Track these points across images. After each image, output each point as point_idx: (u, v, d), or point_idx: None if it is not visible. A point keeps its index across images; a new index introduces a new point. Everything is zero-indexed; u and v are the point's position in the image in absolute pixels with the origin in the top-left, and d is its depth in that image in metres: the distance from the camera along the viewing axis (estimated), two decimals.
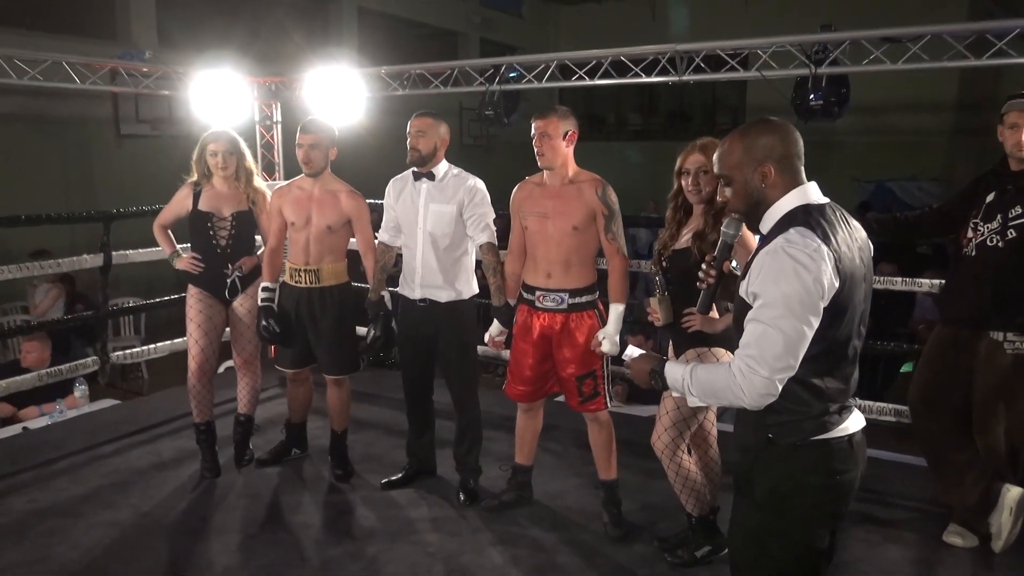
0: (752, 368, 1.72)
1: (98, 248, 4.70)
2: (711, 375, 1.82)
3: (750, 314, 1.75)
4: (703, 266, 2.08)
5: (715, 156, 1.90)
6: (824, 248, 1.69)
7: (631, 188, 3.20)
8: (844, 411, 1.82)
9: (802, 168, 1.84)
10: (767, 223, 1.83)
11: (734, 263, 2.41)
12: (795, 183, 1.82)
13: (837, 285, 1.72)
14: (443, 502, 3.57)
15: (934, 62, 3.88)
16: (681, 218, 2.90)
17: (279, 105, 5.95)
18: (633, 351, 2.03)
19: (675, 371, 1.88)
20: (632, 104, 16.50)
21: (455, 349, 3.48)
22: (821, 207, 1.80)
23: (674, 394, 1.97)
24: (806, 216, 1.76)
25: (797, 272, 1.67)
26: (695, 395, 1.84)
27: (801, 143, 1.84)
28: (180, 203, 3.77)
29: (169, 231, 3.85)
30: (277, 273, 3.72)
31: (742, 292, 1.81)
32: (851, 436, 1.82)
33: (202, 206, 3.71)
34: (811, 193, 1.82)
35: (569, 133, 3.10)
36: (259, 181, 3.81)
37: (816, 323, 1.71)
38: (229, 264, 3.73)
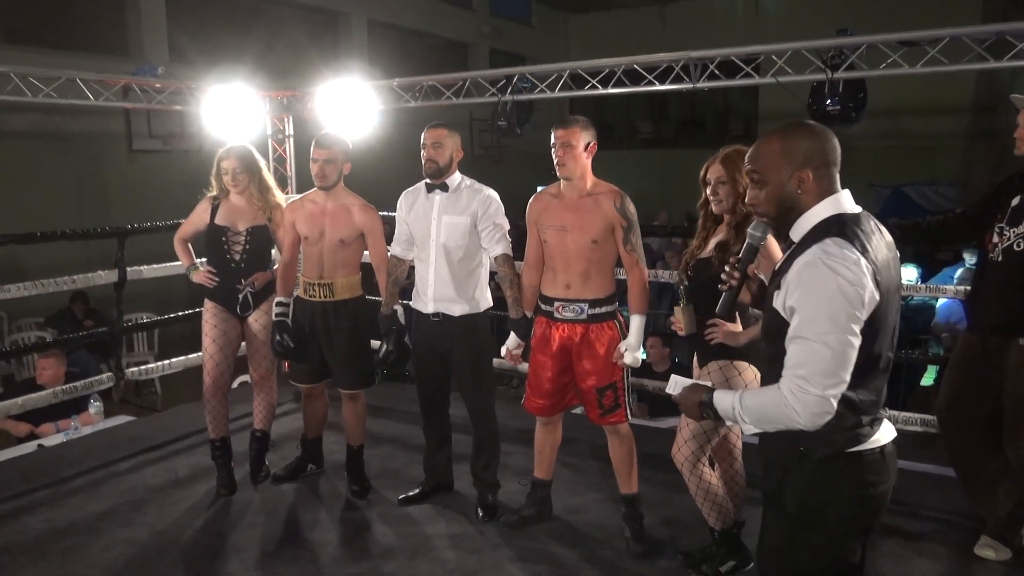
0: (803, 388, 1.68)
1: (112, 264, 4.72)
2: (761, 400, 1.77)
3: (792, 331, 1.70)
4: (726, 268, 2.04)
5: (749, 153, 1.85)
6: (863, 260, 1.66)
7: (642, 197, 3.19)
8: (876, 422, 1.79)
9: (838, 175, 1.80)
10: (798, 231, 1.79)
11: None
12: (830, 191, 1.78)
13: (877, 299, 1.68)
14: (461, 518, 3.54)
15: (953, 65, 3.84)
16: (710, 227, 2.88)
17: (291, 118, 5.97)
18: (679, 382, 1.99)
19: (724, 401, 1.84)
20: (643, 112, 16.51)
21: (470, 363, 3.45)
22: (856, 217, 1.76)
23: (728, 423, 1.92)
24: (842, 227, 1.72)
25: (840, 285, 1.64)
26: (748, 423, 1.79)
27: (839, 150, 1.80)
28: (199, 216, 3.78)
29: (189, 244, 3.86)
30: (291, 287, 3.71)
31: (776, 305, 1.76)
32: (883, 447, 1.79)
33: (218, 220, 3.72)
34: (845, 202, 1.79)
35: (590, 144, 3.09)
36: (278, 195, 3.81)
37: (859, 335, 1.67)
38: (242, 279, 3.73)
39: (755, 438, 1.91)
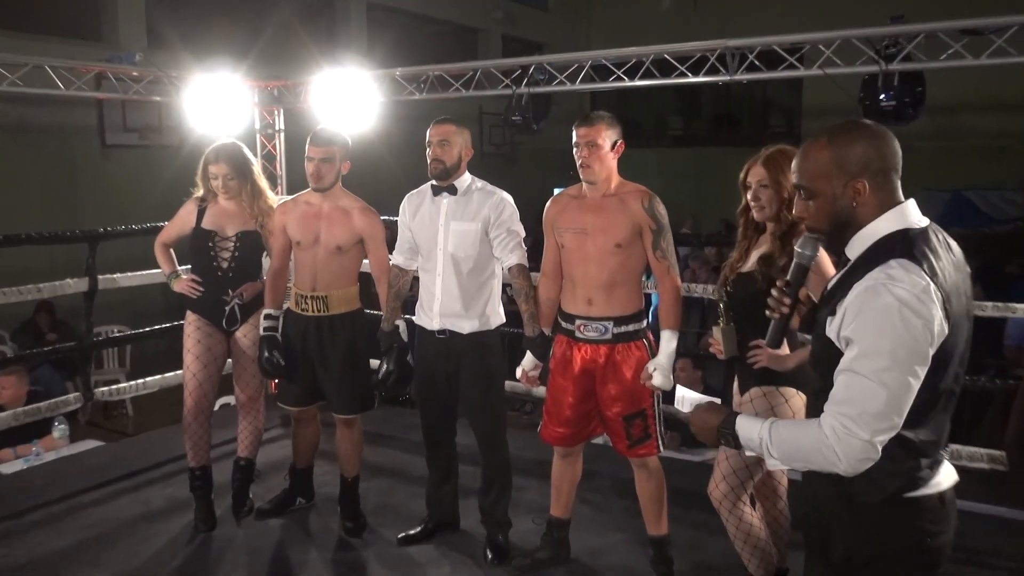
0: (849, 429, 1.65)
1: (82, 271, 4.74)
2: (797, 434, 1.73)
3: (844, 363, 1.68)
4: (773, 292, 2.02)
5: (794, 163, 1.83)
6: (932, 287, 1.63)
7: (670, 201, 3.19)
8: (936, 464, 1.76)
9: (899, 183, 1.77)
10: (856, 247, 1.76)
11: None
12: (892, 202, 1.75)
13: (947, 330, 1.65)
14: (468, 560, 3.52)
15: (1022, 56, 3.82)
16: (751, 236, 2.88)
17: (282, 112, 6.02)
18: (687, 396, 1.98)
19: (750, 427, 1.80)
20: (672, 106, 16.54)
21: (480, 386, 3.45)
22: (924, 232, 1.73)
23: (748, 454, 1.91)
24: (908, 245, 1.69)
25: (904, 316, 1.61)
26: (776, 457, 1.76)
27: (900, 154, 1.77)
28: (184, 219, 3.80)
29: (171, 250, 3.89)
30: (281, 299, 3.73)
31: (830, 333, 1.74)
32: (943, 493, 1.76)
33: (205, 224, 3.74)
34: (911, 215, 1.75)
35: (617, 143, 3.10)
36: (271, 198, 3.83)
37: (923, 373, 1.65)
38: (230, 290, 3.74)
39: (799, 474, 1.89)
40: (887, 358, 1.62)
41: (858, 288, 1.67)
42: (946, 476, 1.78)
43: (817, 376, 1.81)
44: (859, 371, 1.65)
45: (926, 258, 1.67)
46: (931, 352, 1.65)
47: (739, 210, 2.91)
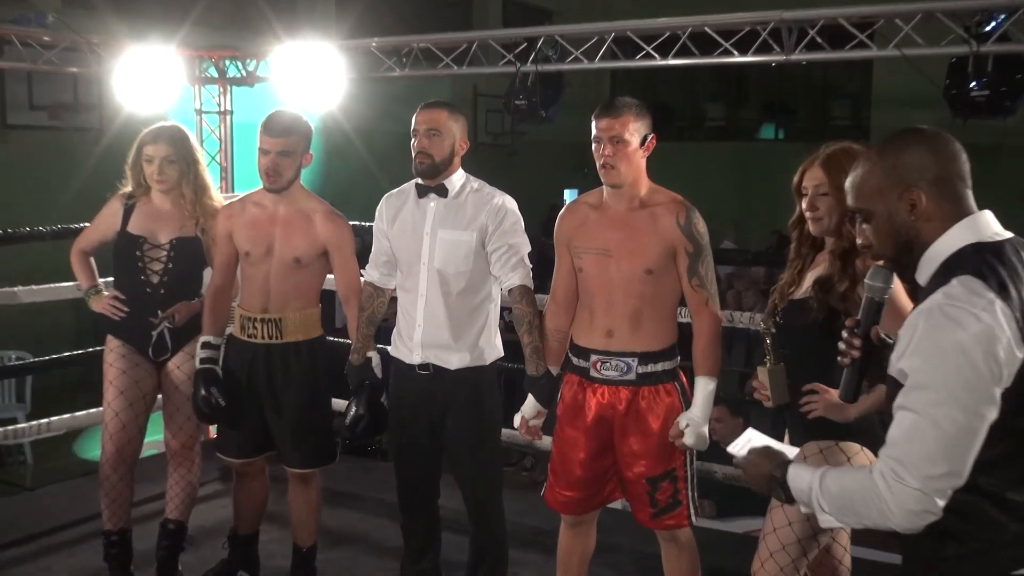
0: (896, 474, 1.71)
1: None
2: (848, 482, 1.80)
3: (898, 399, 1.74)
4: (844, 334, 2.05)
5: (848, 184, 1.92)
6: (999, 304, 1.67)
7: (707, 208, 3.22)
8: None
9: (969, 193, 1.84)
10: (925, 270, 1.83)
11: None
12: (959, 212, 1.82)
13: (1023, 356, 1.69)
14: None
15: None
16: (806, 254, 2.89)
17: (230, 90, 6.06)
18: (754, 439, 2.00)
19: (802, 477, 1.87)
20: (712, 91, 16.65)
21: (471, 436, 3.45)
22: (998, 246, 1.78)
23: (803, 509, 1.94)
24: (976, 259, 1.75)
25: (961, 342, 1.66)
26: (828, 512, 1.82)
27: (964, 159, 1.85)
28: (107, 220, 3.81)
29: (91, 259, 3.89)
30: (223, 323, 3.73)
31: (891, 368, 1.79)
32: None
33: (132, 227, 3.75)
34: (983, 226, 1.82)
35: (648, 139, 3.12)
36: (216, 197, 3.85)
37: (991, 413, 1.68)
38: (160, 310, 3.75)
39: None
40: (940, 390, 1.68)
41: (915, 313, 1.74)
42: None
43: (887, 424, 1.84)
44: (909, 406, 1.71)
45: (995, 273, 1.72)
46: (1000, 387, 1.68)
47: (792, 221, 2.93)
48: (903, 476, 1.69)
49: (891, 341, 2.05)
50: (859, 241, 1.95)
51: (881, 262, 1.97)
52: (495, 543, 3.57)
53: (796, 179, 2.86)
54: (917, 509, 1.69)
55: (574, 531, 3.40)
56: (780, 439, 3.01)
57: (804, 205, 2.83)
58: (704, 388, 3.12)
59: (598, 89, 14.71)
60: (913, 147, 1.84)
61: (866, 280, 2.01)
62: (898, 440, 1.72)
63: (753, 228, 12.50)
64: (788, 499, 1.90)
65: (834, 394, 2.72)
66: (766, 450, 1.99)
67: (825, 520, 1.85)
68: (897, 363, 1.75)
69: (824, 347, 2.38)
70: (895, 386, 1.77)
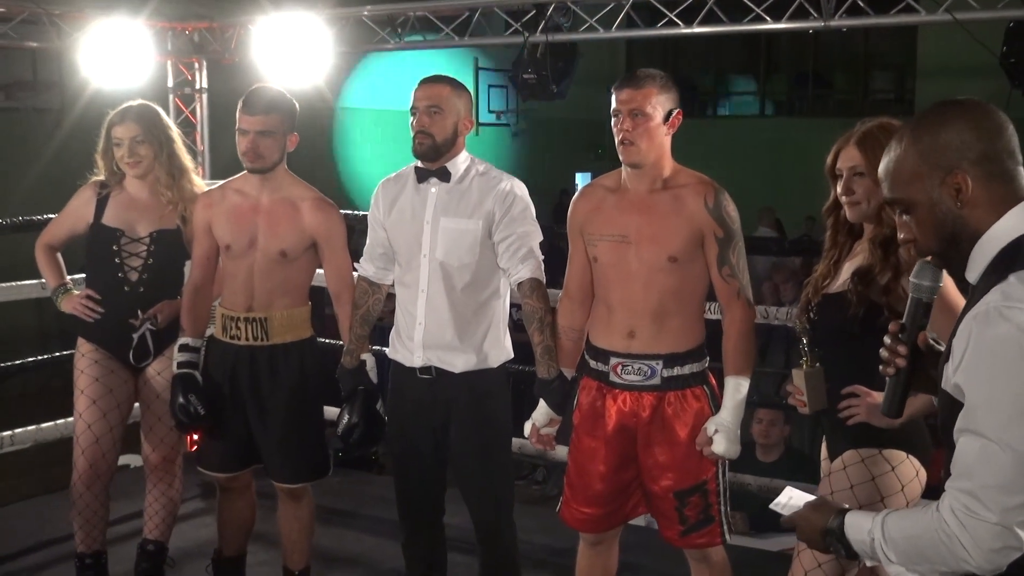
0: (970, 510, 1.66)
1: None
2: (912, 525, 1.76)
3: (960, 422, 1.70)
4: (886, 340, 2.02)
5: (881, 171, 1.88)
6: None
7: (736, 192, 3.22)
8: None
9: (1021, 171, 1.79)
10: (975, 266, 1.78)
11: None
12: (1012, 195, 1.76)
13: None
14: None
15: None
16: (843, 243, 2.90)
17: (204, 65, 6.07)
18: (795, 498, 1.99)
19: (860, 527, 1.82)
20: (740, 63, 16.63)
21: (476, 445, 3.46)
22: None
23: (868, 563, 1.93)
24: None
25: None
26: (895, 561, 1.78)
27: (1012, 132, 1.79)
28: (78, 212, 3.83)
29: (59, 255, 3.91)
30: (203, 324, 3.74)
31: (946, 382, 1.76)
32: None
33: (108, 219, 3.77)
34: None
35: (673, 113, 3.12)
36: (197, 182, 3.87)
37: None
38: (140, 311, 3.76)
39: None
40: (1007, 408, 1.64)
41: (968, 319, 1.70)
42: None
43: (944, 446, 1.83)
44: (975, 429, 1.67)
45: None
46: None
47: (826, 207, 2.92)
48: (977, 511, 1.65)
49: (940, 347, 2.04)
50: (900, 235, 1.90)
51: (927, 258, 1.91)
52: (506, 564, 3.58)
53: (829, 160, 2.86)
54: (998, 546, 1.65)
55: (594, 551, 3.40)
56: (818, 446, 3.02)
57: (839, 189, 2.82)
58: (735, 389, 3.11)
59: (612, 60, 14.74)
60: (951, 123, 1.78)
61: (911, 278, 1.97)
62: (966, 470, 1.68)
63: (785, 214, 12.48)
64: (849, 554, 1.86)
65: (877, 397, 2.72)
66: (817, 504, 1.95)
67: (895, 572, 1.81)
68: (953, 377, 1.71)
69: (864, 346, 2.37)
70: (951, 403, 1.74)
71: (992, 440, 1.65)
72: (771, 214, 12.13)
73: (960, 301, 2.44)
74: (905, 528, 1.77)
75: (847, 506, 1.92)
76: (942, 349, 2.00)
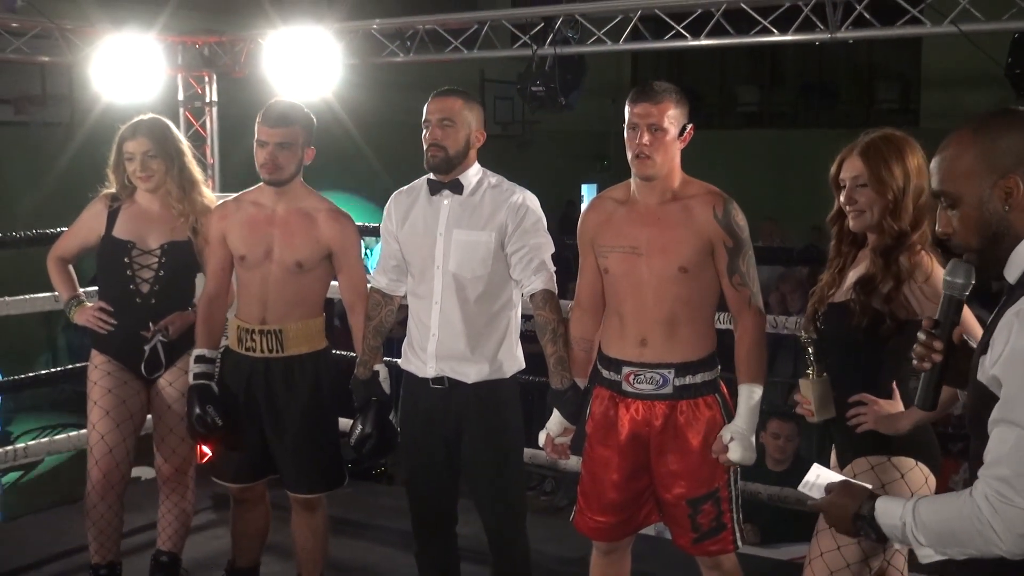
0: (1002, 496, 1.71)
1: None
2: (945, 510, 1.81)
3: (995, 412, 1.75)
4: (921, 336, 2.07)
5: (933, 163, 1.93)
6: None
7: (741, 202, 3.23)
8: None
9: None
10: (1015, 267, 1.85)
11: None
12: None
13: None
14: None
15: None
16: (847, 252, 2.92)
17: (214, 78, 6.10)
18: (823, 476, 2.02)
19: (892, 512, 1.88)
20: (745, 74, 16.62)
21: (490, 455, 3.47)
22: None
23: (896, 546, 1.97)
24: None
25: None
26: (925, 544, 1.83)
27: None
28: (89, 225, 3.85)
29: (71, 267, 3.93)
30: (218, 335, 3.76)
31: (982, 375, 1.81)
32: None
33: (119, 232, 3.79)
34: None
35: (687, 129, 3.15)
36: (207, 194, 3.89)
37: None
38: (151, 322, 3.79)
39: None
40: None
41: (1009, 314, 1.76)
42: None
43: (973, 436, 1.88)
44: (1012, 419, 1.72)
45: None
46: None
47: (830, 217, 2.95)
48: (1010, 497, 1.70)
49: (972, 343, 2.09)
50: (938, 228, 1.95)
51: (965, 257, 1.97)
52: (519, 574, 3.59)
53: (833, 170, 2.88)
54: None
55: (607, 559, 3.41)
56: (827, 455, 3.04)
57: (842, 198, 2.85)
58: (749, 396, 3.13)
59: (618, 72, 14.75)
60: (1014, 130, 1.84)
61: (945, 276, 2.03)
62: (1001, 457, 1.73)
63: (790, 224, 12.47)
64: (879, 537, 1.91)
65: (884, 404, 2.76)
66: (845, 486, 2.00)
67: (924, 555, 1.85)
68: (991, 369, 1.77)
69: (869, 354, 2.39)
70: (985, 395, 1.79)
71: None
72: (772, 224, 12.08)
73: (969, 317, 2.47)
74: (937, 513, 1.82)
75: (873, 489, 1.96)
76: (973, 346, 2.05)
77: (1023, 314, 1.74)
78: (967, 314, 2.49)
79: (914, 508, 1.85)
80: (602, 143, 15.59)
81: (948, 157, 1.90)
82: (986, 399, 1.79)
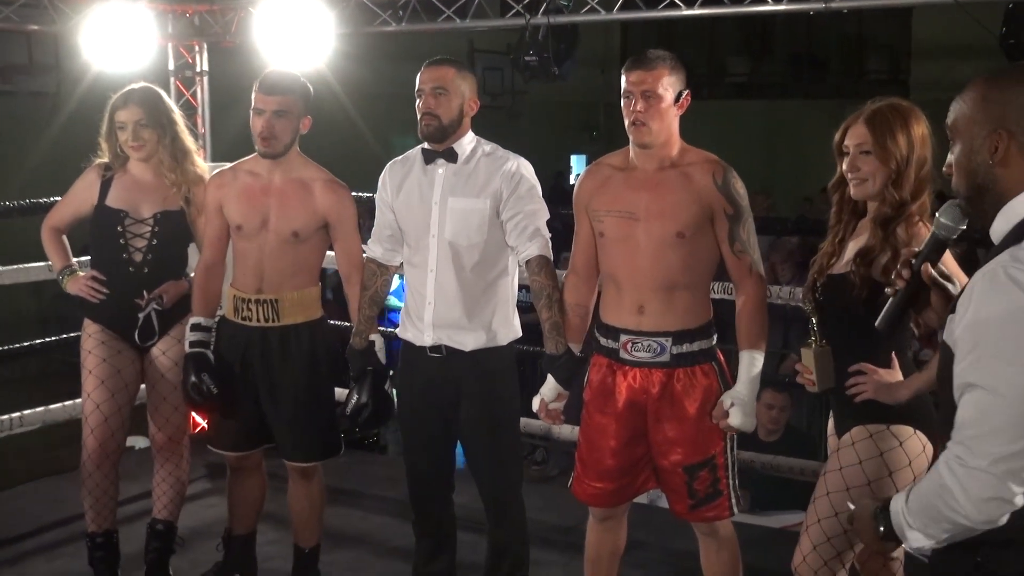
0: (960, 459, 1.71)
1: None
2: (922, 485, 1.82)
3: (957, 375, 1.76)
4: (899, 265, 2.11)
5: (954, 104, 1.91)
6: None
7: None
8: None
9: None
10: (1000, 228, 1.84)
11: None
12: None
13: None
14: None
15: None
16: (848, 221, 2.93)
17: (205, 47, 6.07)
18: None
19: (896, 500, 1.88)
20: (734, 44, 16.60)
21: (486, 423, 3.49)
22: None
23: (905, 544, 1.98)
24: None
25: (1022, 306, 1.68)
26: (914, 526, 1.83)
27: None
28: (82, 194, 3.84)
29: (64, 237, 3.93)
30: (215, 304, 3.77)
31: (948, 335, 1.82)
32: None
33: (112, 201, 3.78)
34: None
35: (683, 95, 3.16)
36: (200, 164, 3.88)
37: None
38: (145, 291, 3.78)
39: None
40: (1006, 362, 1.68)
41: (976, 275, 1.76)
42: None
43: (940, 397, 1.89)
44: (971, 380, 1.72)
45: None
46: None
47: (832, 184, 2.96)
48: (966, 459, 1.70)
49: (948, 285, 2.11)
50: (945, 168, 1.97)
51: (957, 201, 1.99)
52: (515, 542, 3.61)
53: (837, 137, 2.88)
54: (986, 496, 1.69)
55: (604, 526, 3.44)
56: (819, 426, 3.05)
57: (845, 166, 2.85)
58: (750, 363, 3.14)
59: (607, 43, 14.70)
60: (1017, 84, 1.83)
61: (936, 215, 2.06)
62: (963, 421, 1.73)
63: (779, 194, 12.49)
64: (895, 537, 1.90)
65: (883, 374, 2.77)
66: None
67: (915, 539, 1.83)
68: (956, 331, 1.77)
69: (869, 325, 2.41)
70: (949, 357, 1.80)
71: (986, 389, 1.70)
72: (764, 195, 12.09)
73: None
74: (918, 490, 1.83)
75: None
76: (948, 285, 2.08)
77: (986, 275, 1.73)
78: (951, 262, 2.49)
79: (907, 494, 1.85)
80: (592, 114, 15.60)
81: (962, 97, 1.89)
82: (950, 360, 1.79)
